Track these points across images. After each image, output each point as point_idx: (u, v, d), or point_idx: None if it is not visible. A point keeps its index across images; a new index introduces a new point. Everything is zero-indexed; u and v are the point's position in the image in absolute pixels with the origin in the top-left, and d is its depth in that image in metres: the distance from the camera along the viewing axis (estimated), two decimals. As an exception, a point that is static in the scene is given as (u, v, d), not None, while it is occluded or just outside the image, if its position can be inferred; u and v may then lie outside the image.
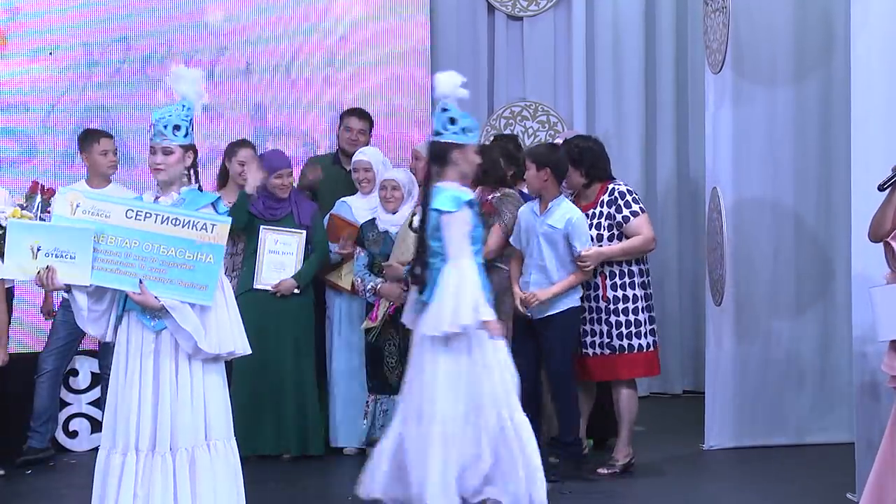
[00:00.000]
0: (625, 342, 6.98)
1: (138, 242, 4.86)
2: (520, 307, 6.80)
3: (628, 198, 7.02)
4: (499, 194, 7.23)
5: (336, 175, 7.99)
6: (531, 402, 6.73)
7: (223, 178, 7.70)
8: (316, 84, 8.94)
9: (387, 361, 7.29)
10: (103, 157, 7.46)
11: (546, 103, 9.41)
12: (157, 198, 5.08)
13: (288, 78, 8.74)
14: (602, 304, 6.97)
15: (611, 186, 7.05)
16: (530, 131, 9.22)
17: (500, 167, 7.39)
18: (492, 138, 8.45)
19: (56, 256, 4.83)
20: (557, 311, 6.80)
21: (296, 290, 7.33)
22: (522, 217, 6.93)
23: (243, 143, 7.74)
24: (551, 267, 6.78)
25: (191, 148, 5.08)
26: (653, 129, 9.64)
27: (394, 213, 7.37)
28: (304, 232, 7.33)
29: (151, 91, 8.33)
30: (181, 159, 5.04)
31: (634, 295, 6.99)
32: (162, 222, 4.87)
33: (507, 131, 9.12)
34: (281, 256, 7.30)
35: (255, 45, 8.71)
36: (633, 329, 6.99)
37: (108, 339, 5.05)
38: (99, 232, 4.85)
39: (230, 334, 5.02)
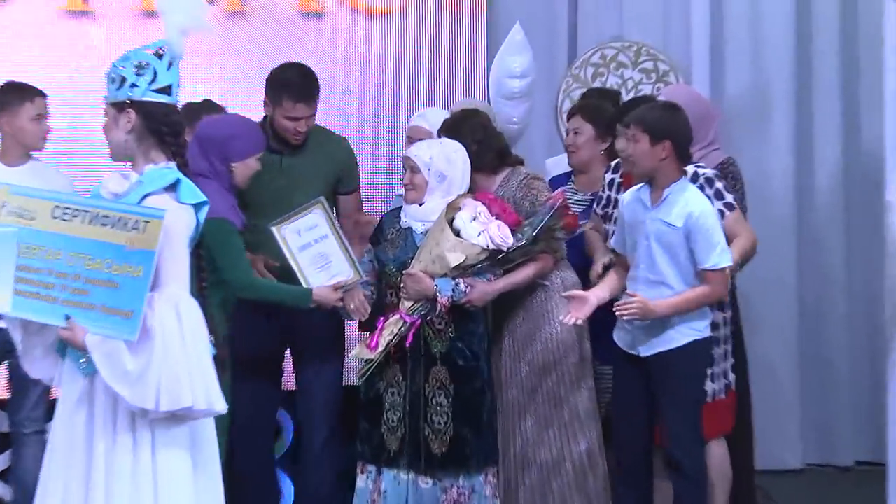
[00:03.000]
0: None
1: (62, 254, 4.27)
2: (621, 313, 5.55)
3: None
4: (507, 176, 5.93)
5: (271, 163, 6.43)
6: (642, 481, 5.73)
7: None
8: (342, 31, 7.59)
9: (387, 418, 5.79)
10: (35, 125, 6.31)
11: (652, 45, 7.74)
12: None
13: (303, 23, 7.57)
14: None
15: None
16: (629, 84, 7.59)
17: (496, 135, 6.09)
18: (582, 96, 6.87)
19: None
20: (676, 345, 5.56)
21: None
22: (626, 209, 5.75)
23: (211, 107, 6.54)
24: (672, 283, 5.55)
25: (128, 105, 4.24)
26: (807, 90, 7.96)
27: (420, 205, 5.83)
28: (321, 198, 5.90)
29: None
30: (114, 123, 4.32)
31: None
32: (90, 222, 4.27)
33: (597, 84, 7.46)
34: (316, 246, 5.98)
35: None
36: None
37: (56, 384, 4.40)
38: (21, 241, 4.26)
39: (187, 381, 4.05)
